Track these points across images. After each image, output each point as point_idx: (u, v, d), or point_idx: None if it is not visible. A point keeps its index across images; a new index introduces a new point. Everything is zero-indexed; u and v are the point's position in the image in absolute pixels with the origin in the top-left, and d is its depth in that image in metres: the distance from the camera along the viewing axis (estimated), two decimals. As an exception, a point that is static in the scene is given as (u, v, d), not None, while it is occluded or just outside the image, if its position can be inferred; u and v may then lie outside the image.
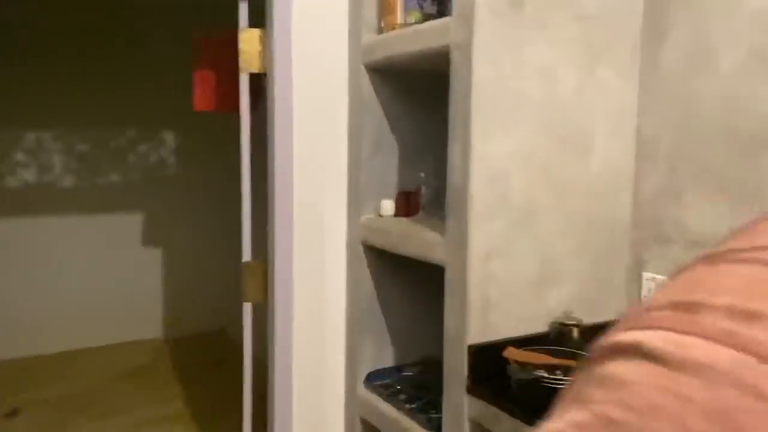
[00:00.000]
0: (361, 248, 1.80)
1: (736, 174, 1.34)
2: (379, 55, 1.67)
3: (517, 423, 1.26)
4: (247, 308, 1.82)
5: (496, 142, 1.37)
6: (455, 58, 1.38)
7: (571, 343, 1.40)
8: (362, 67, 1.74)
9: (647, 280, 1.54)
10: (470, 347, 1.38)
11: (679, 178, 1.46)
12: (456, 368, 1.42)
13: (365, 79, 1.75)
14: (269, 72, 1.73)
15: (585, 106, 1.47)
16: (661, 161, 1.50)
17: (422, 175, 1.86)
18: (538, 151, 1.43)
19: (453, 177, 1.41)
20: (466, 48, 1.34)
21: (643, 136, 1.54)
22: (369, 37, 1.71)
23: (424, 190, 1.87)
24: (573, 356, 1.31)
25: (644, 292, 1.55)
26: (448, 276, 1.44)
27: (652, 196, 1.53)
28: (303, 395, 1.83)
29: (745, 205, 1.33)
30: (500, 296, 1.41)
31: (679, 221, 1.47)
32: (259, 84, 1.82)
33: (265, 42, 1.73)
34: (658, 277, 1.51)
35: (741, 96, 1.33)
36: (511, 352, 1.33)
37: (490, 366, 1.36)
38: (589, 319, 1.47)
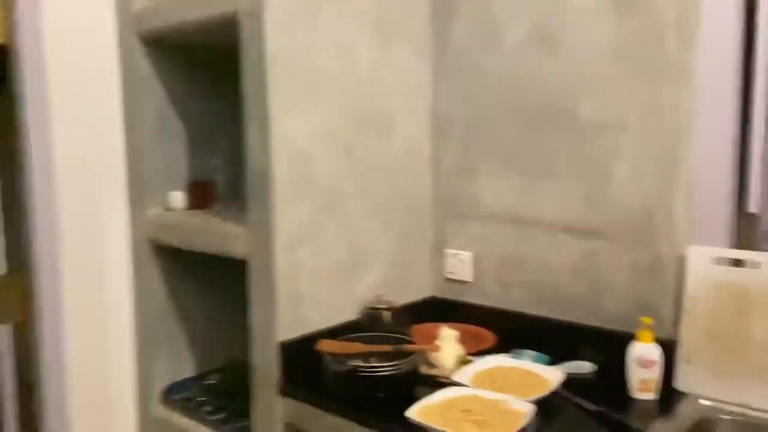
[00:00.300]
0: (148, 248, 1.59)
1: (524, 149, 1.42)
2: (155, 23, 1.46)
3: (336, 419, 1.18)
4: (2, 332, 1.49)
5: (296, 120, 1.27)
6: (245, 27, 1.25)
7: (384, 327, 1.37)
8: (135, 38, 1.51)
9: (450, 256, 1.57)
10: (281, 344, 1.28)
11: (473, 155, 1.51)
12: (266, 369, 1.30)
13: (140, 53, 1.53)
14: (14, 43, 1.42)
15: (382, 83, 1.45)
16: (456, 139, 1.54)
17: (217, 162, 1.70)
18: (340, 130, 1.36)
19: (253, 159, 1.28)
20: (257, 15, 1.21)
21: (438, 114, 1.57)
22: (141, 2, 1.49)
23: (219, 178, 1.72)
24: (386, 340, 1.27)
25: (447, 268, 1.58)
26: (253, 269, 1.31)
27: (449, 174, 1.56)
28: (84, 426, 1.55)
29: (535, 180, 1.41)
30: (310, 286, 1.33)
31: (475, 197, 1.52)
32: (3, 58, 1.49)
33: (7, 6, 1.41)
34: (461, 253, 1.55)
35: (523, 73, 1.41)
36: (324, 345, 1.26)
37: (303, 362, 1.27)
38: (399, 301, 1.46)
